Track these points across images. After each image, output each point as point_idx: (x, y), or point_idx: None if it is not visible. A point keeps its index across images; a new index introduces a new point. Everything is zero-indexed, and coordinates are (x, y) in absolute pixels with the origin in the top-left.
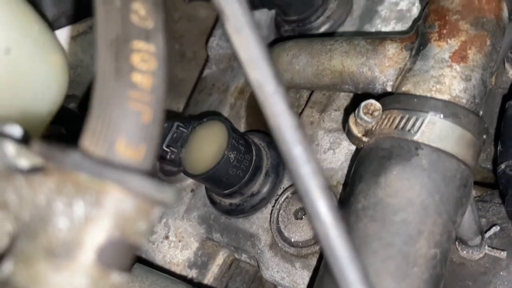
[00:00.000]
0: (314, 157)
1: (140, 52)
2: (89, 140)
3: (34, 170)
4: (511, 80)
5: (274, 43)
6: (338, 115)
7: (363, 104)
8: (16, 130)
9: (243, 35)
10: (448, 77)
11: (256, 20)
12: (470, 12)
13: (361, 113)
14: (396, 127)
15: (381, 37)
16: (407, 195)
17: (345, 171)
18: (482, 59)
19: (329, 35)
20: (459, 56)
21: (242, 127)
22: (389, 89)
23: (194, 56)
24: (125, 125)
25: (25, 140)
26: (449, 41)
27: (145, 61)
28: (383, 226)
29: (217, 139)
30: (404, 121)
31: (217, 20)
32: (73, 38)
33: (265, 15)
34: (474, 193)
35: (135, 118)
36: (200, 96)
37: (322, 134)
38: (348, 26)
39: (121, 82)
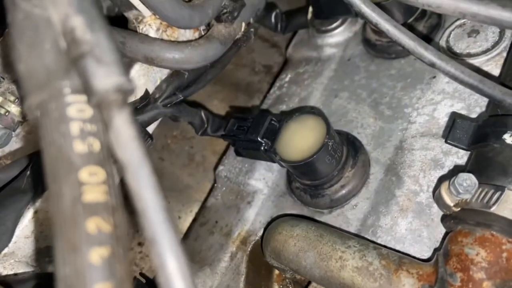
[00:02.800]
0: None
1: None
2: None
3: None
4: None
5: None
6: None
7: None
8: None
9: None
10: None
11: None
12: (497, 273)
13: None
14: None
15: (397, 260)
16: None
17: None
18: None
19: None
20: None
21: (241, 286)
22: None
23: (203, 160)
24: None
25: None
26: None
27: None
28: None
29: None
30: None
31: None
32: None
33: None
34: None
35: None
36: (202, 230)
37: None
38: (363, 198)
39: None
